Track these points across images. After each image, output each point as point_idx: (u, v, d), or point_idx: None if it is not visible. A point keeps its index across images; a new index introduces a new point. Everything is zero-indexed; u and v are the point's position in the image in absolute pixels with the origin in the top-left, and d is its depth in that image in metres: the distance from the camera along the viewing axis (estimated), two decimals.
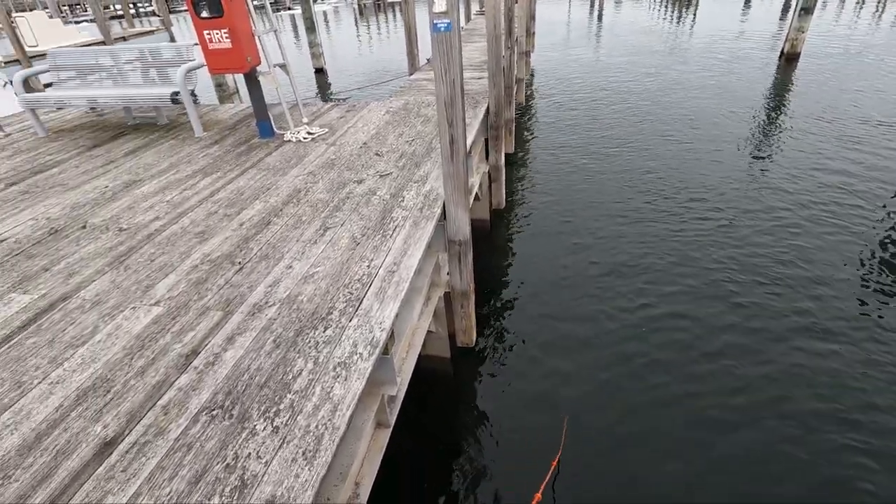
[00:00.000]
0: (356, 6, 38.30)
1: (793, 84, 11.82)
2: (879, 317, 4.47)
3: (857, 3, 23.29)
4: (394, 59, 16.95)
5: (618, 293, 4.98)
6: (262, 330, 2.52)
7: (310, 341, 2.42)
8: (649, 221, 6.30)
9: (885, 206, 6.28)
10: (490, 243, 6.18)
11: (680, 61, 14.57)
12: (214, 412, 2.05)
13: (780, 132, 8.94)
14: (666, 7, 26.64)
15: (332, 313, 2.61)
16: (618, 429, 3.61)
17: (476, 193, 5.71)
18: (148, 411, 2.07)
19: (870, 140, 8.21)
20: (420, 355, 3.57)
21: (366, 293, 2.75)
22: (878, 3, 22.82)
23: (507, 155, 8.07)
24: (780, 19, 20.29)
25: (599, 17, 24.95)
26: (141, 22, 35.34)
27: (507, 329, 4.68)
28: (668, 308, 4.75)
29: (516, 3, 11.04)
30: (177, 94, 5.59)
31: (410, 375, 3.08)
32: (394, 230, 3.41)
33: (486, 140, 6.36)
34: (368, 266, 3.01)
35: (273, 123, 5.65)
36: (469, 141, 4.86)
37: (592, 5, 29.68)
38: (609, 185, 7.29)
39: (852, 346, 4.16)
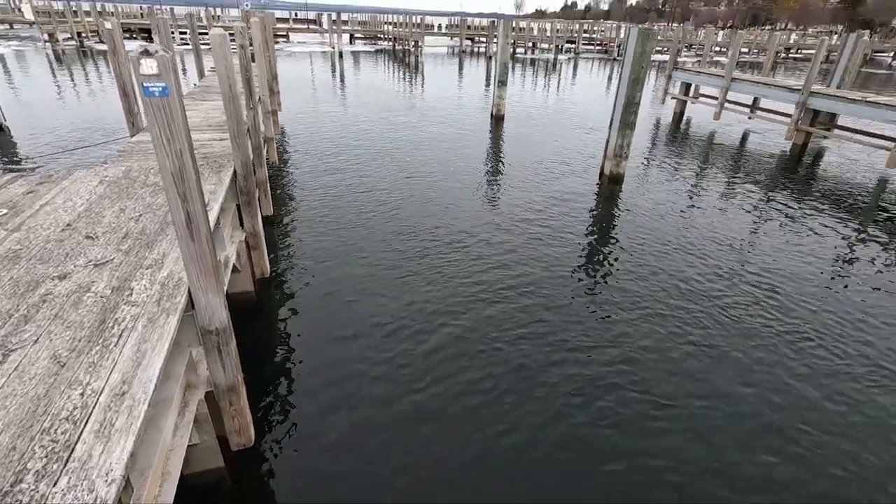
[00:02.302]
0: (51, 51, 31.60)
1: (503, 138, 14.62)
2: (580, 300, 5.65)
3: (533, 80, 30.69)
4: (109, 116, 14.42)
5: (396, 352, 5.04)
6: None
7: None
8: (416, 270, 6.69)
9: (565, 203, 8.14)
10: (258, 319, 5.58)
11: (418, 117, 16.47)
12: None
13: (500, 175, 10.85)
14: (397, 70, 30.09)
15: (22, 480, 1.83)
16: None
17: (234, 265, 5.10)
18: None
19: (554, 172, 10.65)
20: (185, 475, 2.87)
21: (79, 435, 2.04)
22: (545, 80, 30.59)
23: (265, 217, 7.57)
24: (486, 87, 25.13)
25: (342, 77, 26.48)
26: None
27: (291, 417, 4.21)
28: (447, 354, 5.04)
29: (253, 62, 10.73)
30: None
31: None
32: (120, 336, 2.69)
33: (238, 206, 5.81)
34: (83, 394, 2.27)
35: None
36: (214, 212, 4.32)
37: (333, 66, 31.36)
38: (373, 236, 7.53)
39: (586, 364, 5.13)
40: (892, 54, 57.05)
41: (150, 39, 37.15)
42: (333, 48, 42.48)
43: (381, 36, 53.14)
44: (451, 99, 21.22)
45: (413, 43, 43.79)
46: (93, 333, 2.70)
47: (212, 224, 4.11)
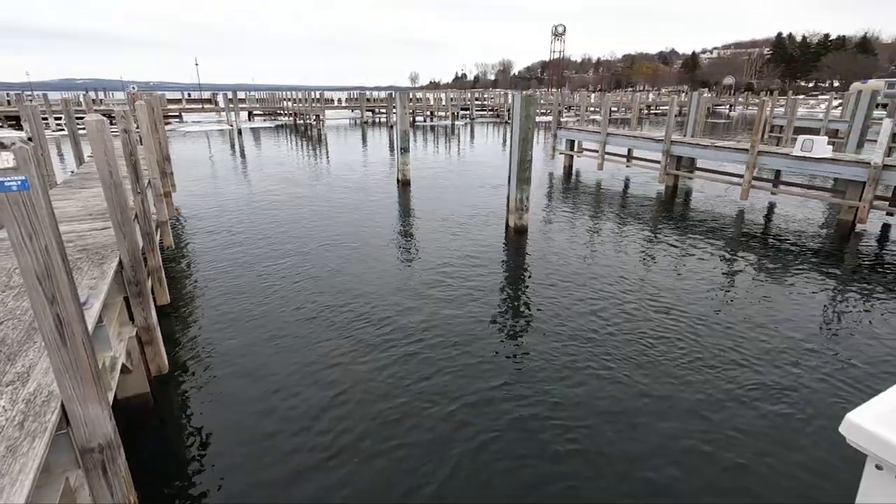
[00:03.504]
0: None
1: (411, 201, 15.01)
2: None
3: (435, 145, 32.37)
4: None
5: (314, 448, 4.64)
6: None
7: None
8: (331, 350, 6.41)
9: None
10: (157, 424, 4.94)
11: (325, 188, 16.45)
12: None
13: (411, 237, 11.02)
14: (300, 143, 30.19)
15: None
16: None
17: (123, 365, 4.54)
18: None
19: (463, 229, 11.05)
20: None
21: None
22: (446, 144, 32.40)
23: (161, 308, 6.94)
24: (391, 154, 25.97)
25: (242, 154, 25.96)
26: None
27: None
28: (372, 443, 4.78)
29: (141, 145, 10.22)
30: None
31: None
32: None
33: (127, 298, 5.27)
34: None
35: None
36: (95, 309, 3.87)
37: (232, 144, 30.74)
38: (288, 321, 7.13)
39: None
40: (727, 106, 68.32)
41: (20, 128, 34.08)
42: (231, 126, 41.83)
43: (282, 112, 53.50)
44: (357, 167, 21.58)
45: (314, 117, 44.50)
46: None
47: (92, 323, 3.67)
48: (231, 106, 43.42)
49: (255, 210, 13.55)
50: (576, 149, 21.13)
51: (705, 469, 4.30)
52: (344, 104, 59.10)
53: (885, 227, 12.10)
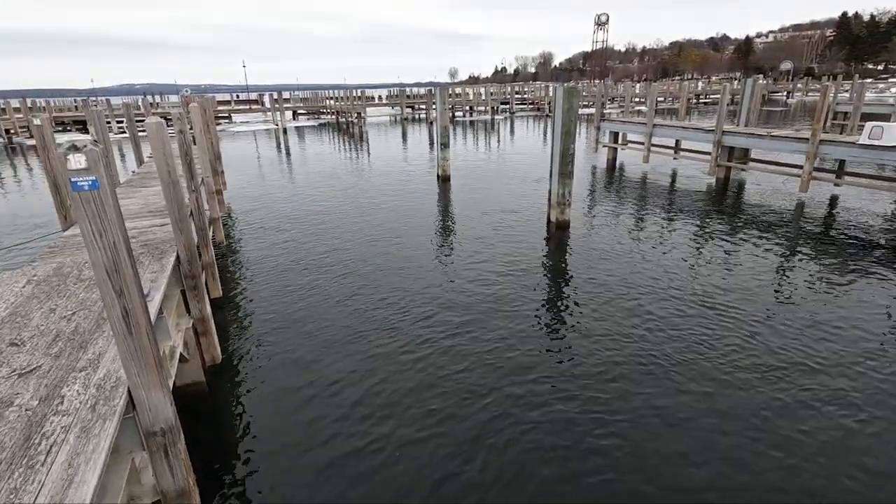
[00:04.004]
0: None
1: (451, 196, 15.03)
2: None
3: (475, 140, 32.24)
4: (36, 211, 13.80)
5: (363, 436, 4.76)
6: None
7: None
8: (377, 343, 6.52)
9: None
10: (211, 411, 5.20)
11: (367, 184, 16.73)
12: None
13: (452, 232, 11.04)
14: (342, 140, 30.82)
15: None
16: None
17: (181, 355, 4.80)
18: None
19: (504, 224, 10.95)
20: None
21: None
22: (486, 139, 32.22)
23: (214, 301, 7.27)
24: (430, 149, 26.09)
25: (287, 152, 26.77)
26: None
27: None
28: (416, 434, 4.84)
29: (195, 145, 10.73)
30: None
31: None
32: (48, 452, 2.42)
33: (183, 291, 5.56)
34: None
35: None
36: (156, 301, 4.10)
37: (278, 142, 31.76)
38: (332, 314, 7.31)
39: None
40: (784, 93, 64.37)
41: (86, 131, 36.49)
42: (277, 125, 43.24)
43: (324, 110, 54.73)
44: (397, 163, 21.80)
45: (356, 115, 45.30)
46: (16, 453, 2.41)
47: (154, 314, 3.89)
48: (276, 106, 44.87)
49: (300, 206, 13.95)
50: (620, 141, 20.52)
51: (759, 473, 4.10)
52: (384, 101, 59.81)
53: None
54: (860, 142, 12.17)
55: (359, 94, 48.56)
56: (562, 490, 4.00)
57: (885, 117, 25.70)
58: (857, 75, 41.44)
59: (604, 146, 21.06)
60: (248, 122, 49.91)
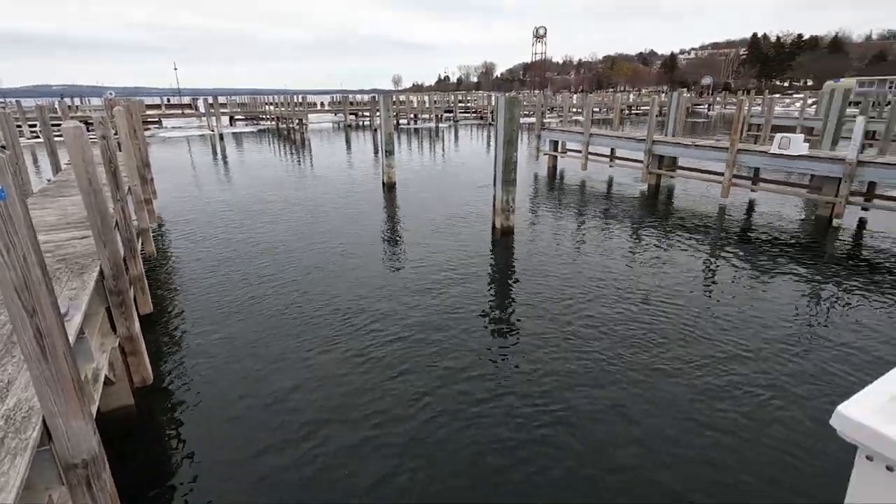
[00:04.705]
0: None
1: (396, 203, 14.97)
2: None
3: (420, 147, 32.37)
4: None
5: (298, 456, 4.62)
6: None
7: None
8: (319, 361, 6.35)
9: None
10: (142, 436, 4.84)
11: (310, 192, 16.30)
12: None
13: (399, 239, 10.99)
14: (284, 147, 29.92)
15: None
16: None
17: (107, 377, 4.44)
18: None
19: (451, 231, 11.05)
20: None
21: None
22: (431, 146, 32.43)
23: (144, 317, 6.81)
24: (375, 156, 25.88)
25: (224, 159, 25.63)
26: None
27: None
28: (358, 452, 4.74)
29: (120, 151, 10.02)
30: None
31: None
32: None
33: (109, 308, 5.16)
34: None
35: None
36: (76, 321, 3.78)
37: (214, 149, 30.34)
38: (272, 326, 7.05)
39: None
40: (706, 106, 69.53)
41: None
42: (213, 131, 41.31)
43: (264, 116, 52.94)
44: (341, 170, 21.45)
45: (297, 121, 44.17)
46: None
47: (73, 335, 3.58)
48: (212, 111, 42.86)
49: (238, 215, 13.38)
50: (560, 150, 21.29)
51: (688, 460, 4.36)
52: (327, 108, 58.75)
53: (861, 222, 12.40)
54: (771, 151, 13.34)
55: (300, 99, 47.44)
56: (504, 477, 4.06)
57: (792, 129, 28.39)
58: (766, 91, 45.50)
59: (545, 154, 21.77)
60: (181, 127, 47.37)
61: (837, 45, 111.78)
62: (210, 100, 44.41)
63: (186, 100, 65.22)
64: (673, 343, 6.42)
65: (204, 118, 45.71)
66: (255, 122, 53.16)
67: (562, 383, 5.54)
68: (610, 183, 18.14)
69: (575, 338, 6.55)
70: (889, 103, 27.32)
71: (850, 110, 23.87)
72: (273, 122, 49.76)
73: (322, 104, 61.26)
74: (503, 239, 11.19)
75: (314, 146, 31.82)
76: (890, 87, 62.03)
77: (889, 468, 1.02)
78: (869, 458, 1.04)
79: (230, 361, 6.05)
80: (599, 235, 11.45)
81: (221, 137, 37.70)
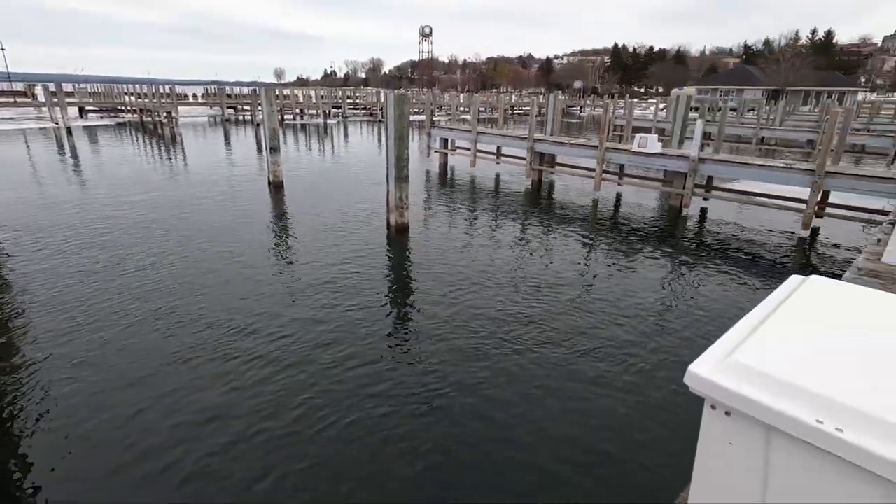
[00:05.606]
0: None
1: (285, 203, 14.25)
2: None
3: (307, 144, 31.09)
4: None
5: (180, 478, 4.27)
6: None
7: None
8: (201, 375, 5.85)
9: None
10: None
11: (183, 192, 14.82)
12: None
13: (287, 241, 10.49)
14: (150, 142, 26.82)
15: None
16: None
17: None
18: None
19: (343, 230, 10.84)
20: None
21: None
22: (319, 143, 31.32)
23: None
24: (259, 154, 24.32)
25: (74, 156, 22.26)
26: None
27: None
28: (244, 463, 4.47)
29: None
30: None
31: None
32: None
33: None
34: None
35: None
36: None
37: (60, 144, 26.19)
38: (135, 343, 6.32)
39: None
40: (579, 108, 76.19)
41: None
42: (58, 123, 35.60)
43: (123, 108, 46.90)
44: (221, 169, 19.83)
45: (166, 114, 39.83)
46: None
47: None
48: (55, 100, 36.89)
49: (96, 219, 11.73)
50: (449, 147, 21.86)
51: (563, 425, 4.79)
52: (200, 100, 53.82)
53: (703, 210, 14.53)
54: (632, 149, 15.03)
55: (168, 90, 42.84)
56: (411, 458, 4.12)
57: (648, 129, 32.23)
58: (627, 95, 51.13)
59: (435, 151, 22.21)
60: (12, 118, 40.17)
61: (680, 57, 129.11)
62: (52, 87, 38.16)
63: (20, 86, 55.46)
64: (554, 319, 7.02)
65: (45, 108, 39.21)
66: (112, 114, 46.83)
67: (449, 361, 5.78)
68: (497, 179, 19.08)
69: (466, 326, 6.82)
70: (720, 109, 32.24)
71: (692, 114, 27.72)
72: (136, 115, 44.30)
73: (195, 96, 56.04)
74: (398, 235, 11.22)
75: (188, 141, 29.00)
76: (720, 96, 73.25)
77: (727, 413, 1.20)
78: (713, 406, 1.23)
79: (90, 388, 5.31)
80: (489, 229, 12.00)
81: (70, 131, 32.66)
